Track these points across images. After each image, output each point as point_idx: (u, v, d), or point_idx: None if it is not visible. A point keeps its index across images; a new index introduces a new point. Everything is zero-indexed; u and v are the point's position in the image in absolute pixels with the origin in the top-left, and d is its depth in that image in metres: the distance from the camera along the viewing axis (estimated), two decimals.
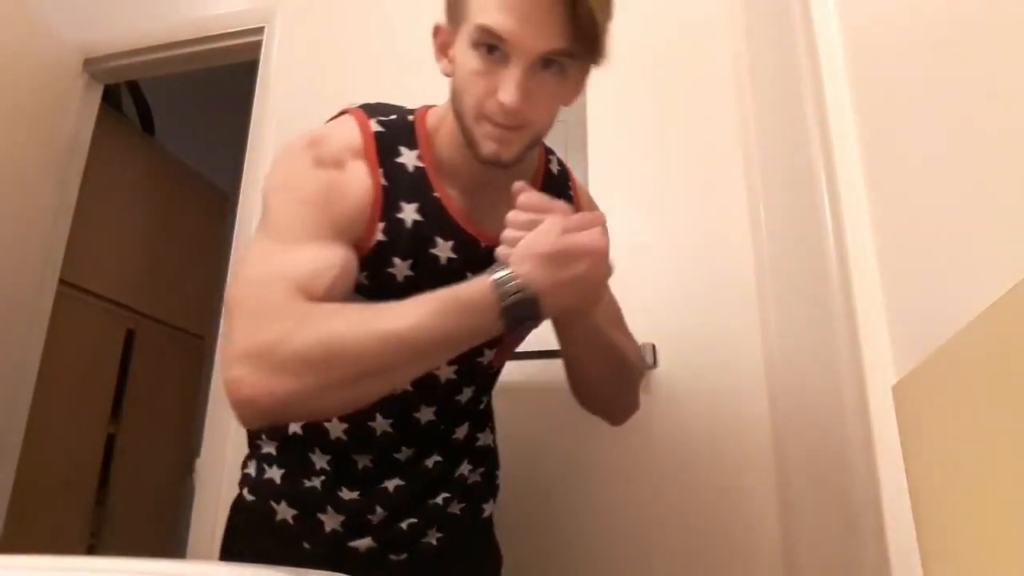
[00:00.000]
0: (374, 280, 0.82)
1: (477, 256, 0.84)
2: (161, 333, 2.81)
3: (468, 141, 0.80)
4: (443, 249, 0.84)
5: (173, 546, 2.54)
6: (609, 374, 0.94)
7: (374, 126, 0.84)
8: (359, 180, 0.81)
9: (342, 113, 0.88)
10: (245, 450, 0.99)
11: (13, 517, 1.85)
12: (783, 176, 1.23)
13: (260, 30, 1.93)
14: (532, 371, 1.43)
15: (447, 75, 0.84)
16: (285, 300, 0.70)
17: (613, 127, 1.57)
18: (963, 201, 0.60)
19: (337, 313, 0.70)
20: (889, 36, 0.77)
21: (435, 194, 0.84)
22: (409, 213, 0.82)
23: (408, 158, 0.84)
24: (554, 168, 0.97)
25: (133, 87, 2.74)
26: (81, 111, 2.11)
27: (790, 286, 1.21)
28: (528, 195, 0.76)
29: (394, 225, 0.81)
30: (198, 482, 1.58)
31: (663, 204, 1.49)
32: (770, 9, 1.27)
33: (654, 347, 1.36)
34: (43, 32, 1.96)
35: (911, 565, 0.68)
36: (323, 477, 0.92)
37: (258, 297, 0.71)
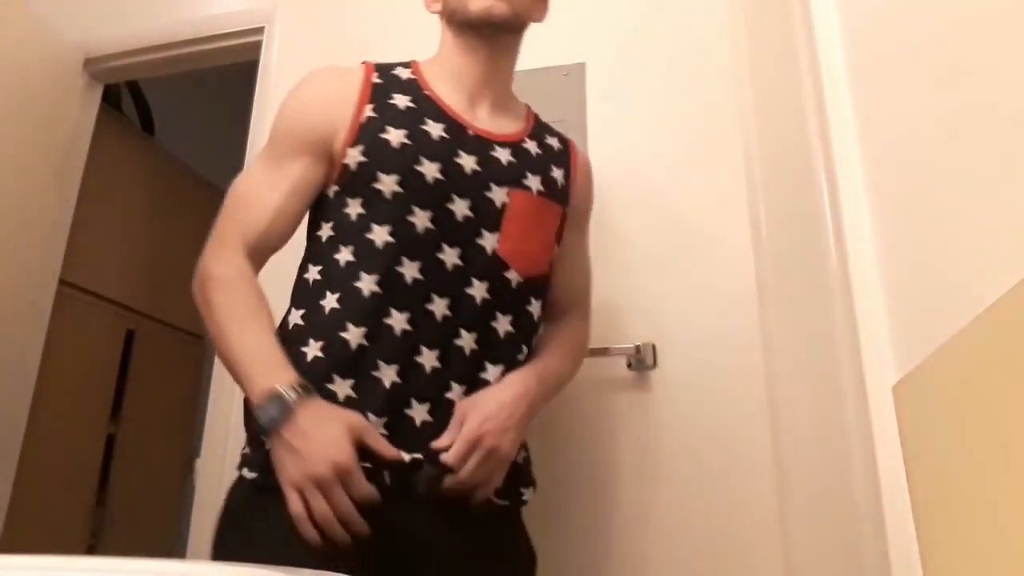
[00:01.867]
0: (368, 154, 0.93)
1: (466, 140, 0.96)
2: (161, 333, 2.80)
3: (460, 19, 1.00)
4: (434, 128, 0.95)
5: (173, 546, 2.54)
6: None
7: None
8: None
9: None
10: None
11: (13, 517, 1.85)
12: (783, 176, 1.23)
13: (260, 30, 1.93)
14: None
15: (433, 11, 1.06)
16: None
17: (613, 127, 1.57)
18: (963, 201, 0.60)
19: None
20: (889, 36, 0.77)
21: (426, 92, 0.99)
22: (402, 101, 0.97)
23: (401, 72, 1.02)
24: (553, 144, 1.07)
25: (133, 87, 2.73)
26: (81, 111, 2.10)
27: (790, 286, 1.21)
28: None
29: (384, 106, 0.96)
30: (198, 482, 1.58)
31: (663, 204, 1.49)
32: (770, 9, 1.27)
33: (654, 347, 1.36)
34: (43, 32, 1.96)
35: (911, 565, 0.68)
36: (426, 407, 0.87)
37: None
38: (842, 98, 0.89)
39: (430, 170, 0.92)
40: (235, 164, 1.88)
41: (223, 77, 2.24)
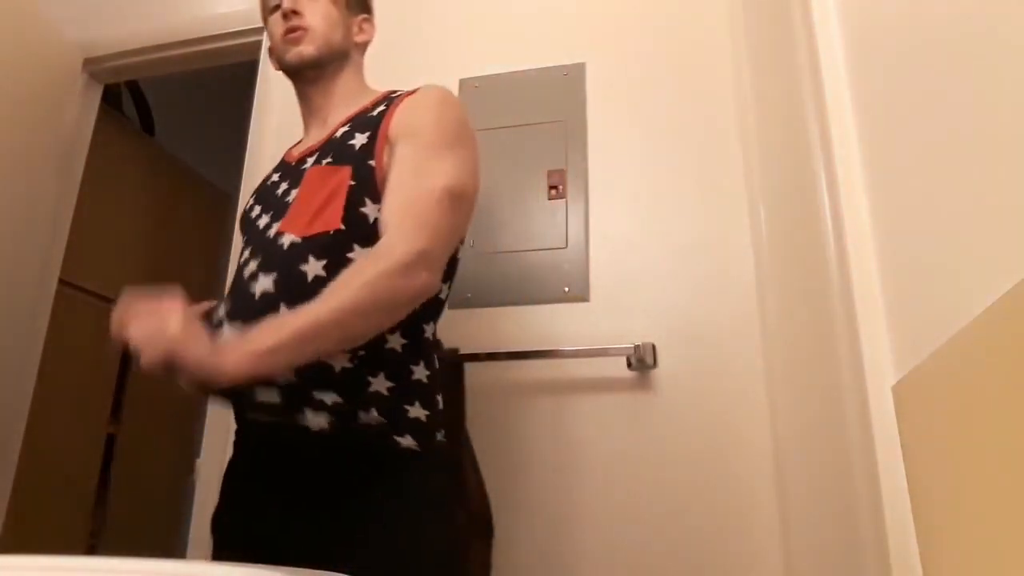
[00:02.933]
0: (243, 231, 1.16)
1: (288, 172, 1.11)
2: None
3: (285, 70, 1.15)
4: (272, 177, 1.15)
5: (173, 546, 2.54)
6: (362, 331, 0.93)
7: None
8: None
9: None
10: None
11: (13, 517, 1.85)
12: (783, 176, 1.23)
13: (260, 30, 1.93)
14: (529, 371, 1.43)
15: (277, 69, 1.18)
16: None
17: (613, 127, 1.57)
18: (963, 201, 0.60)
19: None
20: (889, 36, 0.77)
21: (284, 154, 1.20)
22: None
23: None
24: (376, 112, 1.08)
25: (133, 87, 2.73)
26: (81, 111, 2.10)
27: (790, 286, 1.21)
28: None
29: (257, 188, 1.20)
30: (198, 482, 1.58)
31: (663, 204, 1.49)
32: (770, 9, 1.27)
33: (654, 347, 1.36)
34: (43, 32, 1.96)
35: (911, 565, 0.68)
36: None
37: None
38: (842, 98, 0.89)
39: (256, 209, 1.11)
40: (235, 164, 1.88)
41: (223, 77, 2.24)
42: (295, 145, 1.19)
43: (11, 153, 1.84)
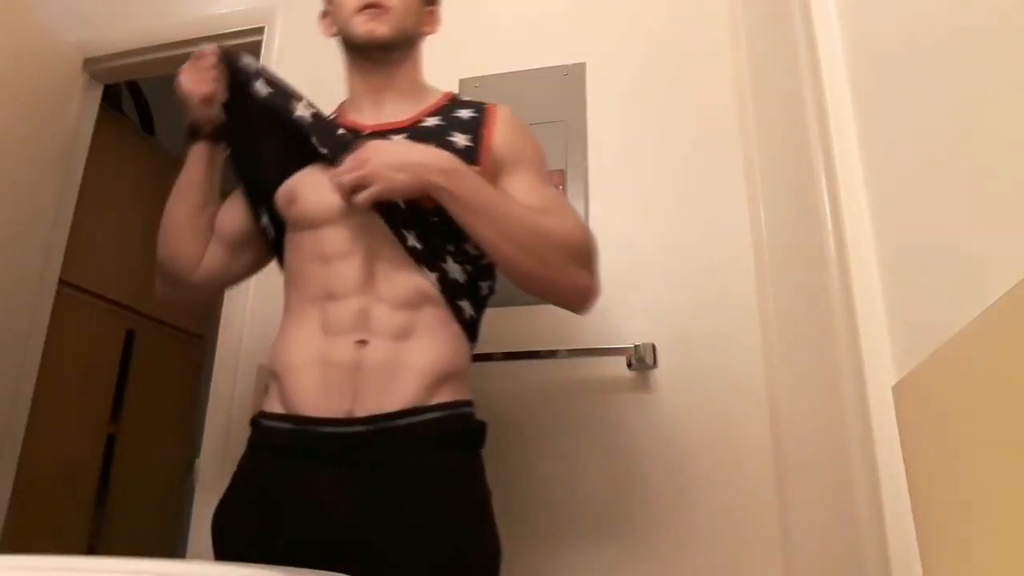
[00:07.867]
0: None
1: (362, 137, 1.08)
2: (161, 333, 2.80)
3: (350, 43, 1.10)
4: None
5: (173, 546, 2.54)
6: (519, 244, 0.98)
7: None
8: None
9: None
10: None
11: (13, 517, 1.85)
12: (783, 176, 1.24)
13: (260, 30, 1.93)
14: (529, 371, 1.43)
15: (330, 35, 1.15)
16: None
17: (613, 127, 1.57)
18: (963, 201, 0.60)
19: None
20: (889, 36, 0.77)
21: (336, 118, 1.14)
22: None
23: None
24: (463, 114, 1.11)
25: (133, 87, 2.73)
26: (81, 111, 2.10)
27: (790, 286, 1.21)
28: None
29: None
30: (198, 482, 1.58)
31: (663, 204, 1.49)
32: (770, 9, 1.27)
33: (654, 347, 1.36)
34: (43, 32, 1.96)
35: (911, 565, 0.68)
36: None
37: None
38: (842, 97, 0.89)
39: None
40: None
41: None
42: (341, 112, 1.16)
43: (11, 153, 1.84)
